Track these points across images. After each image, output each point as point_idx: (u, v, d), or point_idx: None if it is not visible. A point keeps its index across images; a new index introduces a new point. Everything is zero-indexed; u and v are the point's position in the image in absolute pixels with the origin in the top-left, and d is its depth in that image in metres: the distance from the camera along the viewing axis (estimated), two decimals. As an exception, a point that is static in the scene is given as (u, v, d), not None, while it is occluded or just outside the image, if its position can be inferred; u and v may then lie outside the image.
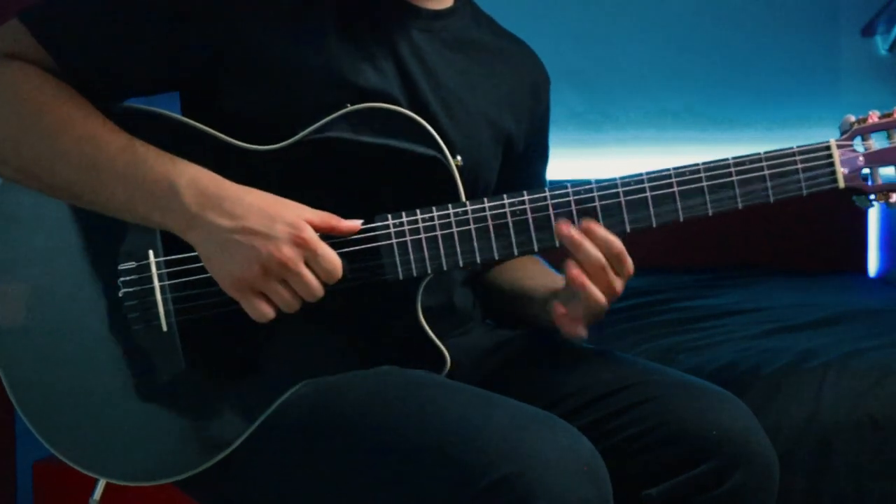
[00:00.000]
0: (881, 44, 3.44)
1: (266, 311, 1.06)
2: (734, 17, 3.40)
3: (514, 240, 1.12)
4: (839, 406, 1.69)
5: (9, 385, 1.14)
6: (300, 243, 1.04)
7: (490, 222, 1.12)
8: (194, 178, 1.05)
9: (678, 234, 3.02)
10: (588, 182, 1.13)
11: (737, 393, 1.18)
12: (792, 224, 3.11)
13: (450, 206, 1.11)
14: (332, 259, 1.05)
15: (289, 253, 1.03)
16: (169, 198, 1.05)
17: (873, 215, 3.38)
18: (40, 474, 2.23)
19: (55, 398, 1.14)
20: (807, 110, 3.33)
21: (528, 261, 1.34)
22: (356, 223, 1.09)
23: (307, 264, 1.05)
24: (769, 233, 3.13)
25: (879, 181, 1.18)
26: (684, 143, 3.29)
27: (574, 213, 1.12)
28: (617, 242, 1.10)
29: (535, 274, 1.31)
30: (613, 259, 1.10)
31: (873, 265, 3.38)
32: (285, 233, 1.03)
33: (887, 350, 1.84)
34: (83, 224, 1.13)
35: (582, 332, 1.13)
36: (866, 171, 1.18)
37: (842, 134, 1.19)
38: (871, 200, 1.19)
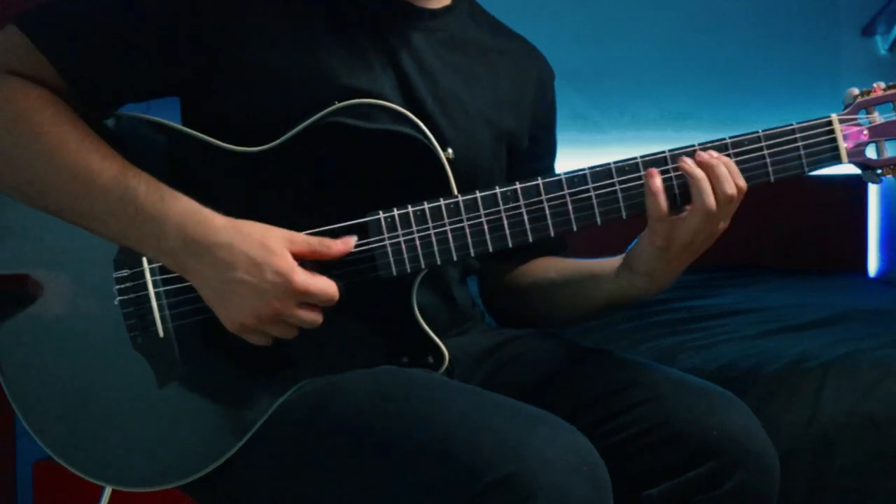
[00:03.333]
0: (881, 44, 3.44)
1: (265, 343, 1.08)
2: (735, 18, 3.40)
3: (507, 231, 1.11)
4: (839, 406, 1.69)
5: (10, 394, 1.14)
6: (290, 293, 1.04)
7: (483, 214, 1.10)
8: (180, 224, 1.04)
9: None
10: (581, 170, 1.11)
11: (737, 393, 1.18)
12: (791, 224, 3.10)
13: (441, 199, 1.10)
14: (325, 290, 1.06)
15: (279, 305, 1.04)
16: (159, 241, 1.05)
17: (873, 215, 3.38)
18: (40, 474, 2.23)
19: (56, 407, 1.14)
20: (807, 110, 3.32)
21: (551, 258, 1.33)
22: (349, 243, 1.08)
23: (301, 301, 1.05)
24: (769, 233, 3.13)
25: (886, 154, 1.15)
26: (685, 143, 3.28)
27: (569, 203, 1.11)
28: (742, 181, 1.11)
29: (574, 262, 1.30)
30: (740, 194, 1.10)
31: (873, 265, 3.38)
32: (275, 285, 1.03)
33: (887, 350, 1.83)
34: (79, 232, 1.12)
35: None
36: (872, 145, 1.15)
37: (845, 108, 1.16)
38: (878, 175, 1.16)
